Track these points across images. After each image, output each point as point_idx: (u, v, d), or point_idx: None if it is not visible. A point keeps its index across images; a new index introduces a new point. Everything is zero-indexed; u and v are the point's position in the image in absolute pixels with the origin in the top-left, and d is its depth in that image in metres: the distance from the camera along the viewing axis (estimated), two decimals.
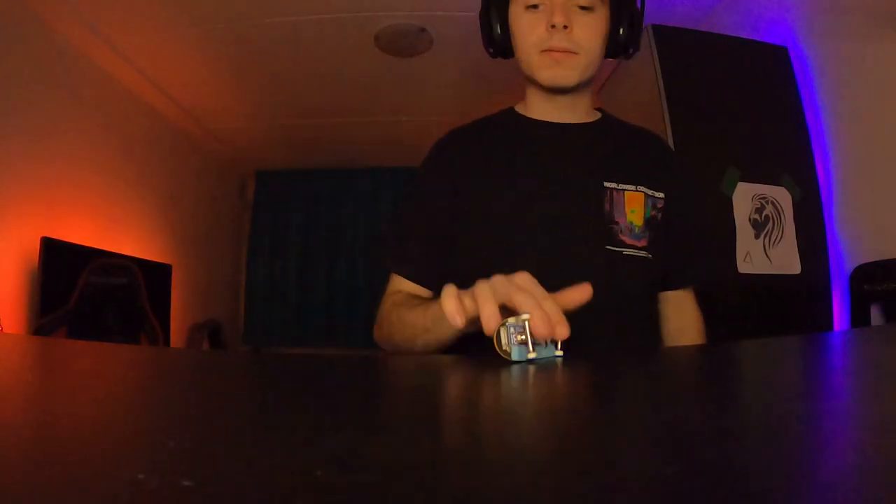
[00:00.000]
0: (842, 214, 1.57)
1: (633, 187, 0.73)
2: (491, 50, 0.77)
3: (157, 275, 2.66)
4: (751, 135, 1.58)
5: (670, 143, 1.50)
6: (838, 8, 1.55)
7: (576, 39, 0.67)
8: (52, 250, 1.95)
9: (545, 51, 0.68)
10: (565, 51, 0.67)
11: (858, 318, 1.45)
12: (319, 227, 3.97)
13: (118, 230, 2.51)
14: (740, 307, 1.47)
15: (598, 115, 0.81)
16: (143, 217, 2.75)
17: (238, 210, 4.06)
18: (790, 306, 1.51)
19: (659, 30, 1.61)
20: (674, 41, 1.62)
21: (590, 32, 0.68)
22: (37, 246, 1.91)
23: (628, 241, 0.71)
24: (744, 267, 1.48)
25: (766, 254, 1.51)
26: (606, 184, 0.72)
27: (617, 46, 0.72)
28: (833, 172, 1.60)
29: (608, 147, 0.77)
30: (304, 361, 0.56)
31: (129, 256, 2.43)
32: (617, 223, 0.71)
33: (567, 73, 0.69)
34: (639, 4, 0.74)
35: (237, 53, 2.40)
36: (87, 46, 2.24)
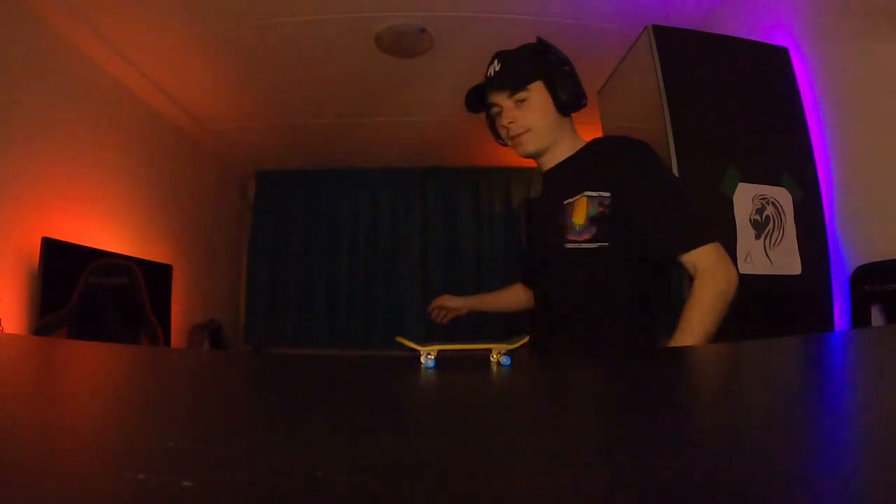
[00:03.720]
0: (842, 214, 1.57)
1: (578, 196, 0.96)
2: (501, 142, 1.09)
3: (157, 275, 2.65)
4: (751, 135, 1.58)
5: (670, 143, 1.50)
6: (838, 9, 1.55)
7: (522, 124, 0.99)
8: (52, 250, 1.95)
9: (510, 138, 1.03)
10: (519, 134, 1.00)
11: (859, 318, 1.44)
12: (319, 227, 3.97)
13: (118, 230, 2.51)
14: (741, 308, 1.46)
15: (580, 145, 1.03)
16: (143, 217, 2.74)
17: (238, 210, 4.06)
18: (791, 307, 1.51)
19: (659, 31, 1.61)
20: (674, 42, 1.61)
21: (530, 115, 0.99)
22: (37, 246, 1.91)
23: (571, 237, 0.96)
24: (744, 267, 1.48)
25: (767, 254, 1.51)
26: (566, 201, 0.98)
27: (566, 106, 0.98)
28: (833, 172, 1.60)
29: (570, 172, 1.01)
30: (305, 362, 0.56)
31: (129, 256, 2.43)
32: (567, 227, 0.97)
33: (526, 148, 1.02)
34: (567, 68, 0.97)
35: (238, 54, 2.40)
36: (87, 46, 2.24)
